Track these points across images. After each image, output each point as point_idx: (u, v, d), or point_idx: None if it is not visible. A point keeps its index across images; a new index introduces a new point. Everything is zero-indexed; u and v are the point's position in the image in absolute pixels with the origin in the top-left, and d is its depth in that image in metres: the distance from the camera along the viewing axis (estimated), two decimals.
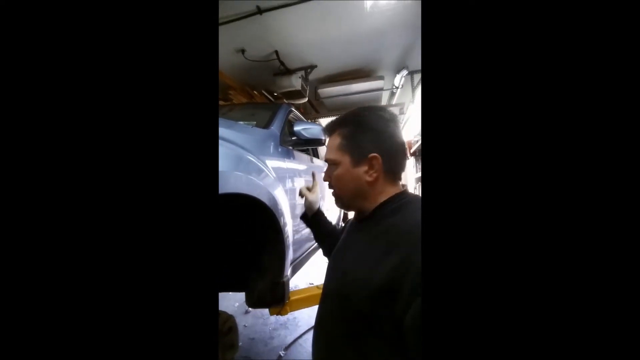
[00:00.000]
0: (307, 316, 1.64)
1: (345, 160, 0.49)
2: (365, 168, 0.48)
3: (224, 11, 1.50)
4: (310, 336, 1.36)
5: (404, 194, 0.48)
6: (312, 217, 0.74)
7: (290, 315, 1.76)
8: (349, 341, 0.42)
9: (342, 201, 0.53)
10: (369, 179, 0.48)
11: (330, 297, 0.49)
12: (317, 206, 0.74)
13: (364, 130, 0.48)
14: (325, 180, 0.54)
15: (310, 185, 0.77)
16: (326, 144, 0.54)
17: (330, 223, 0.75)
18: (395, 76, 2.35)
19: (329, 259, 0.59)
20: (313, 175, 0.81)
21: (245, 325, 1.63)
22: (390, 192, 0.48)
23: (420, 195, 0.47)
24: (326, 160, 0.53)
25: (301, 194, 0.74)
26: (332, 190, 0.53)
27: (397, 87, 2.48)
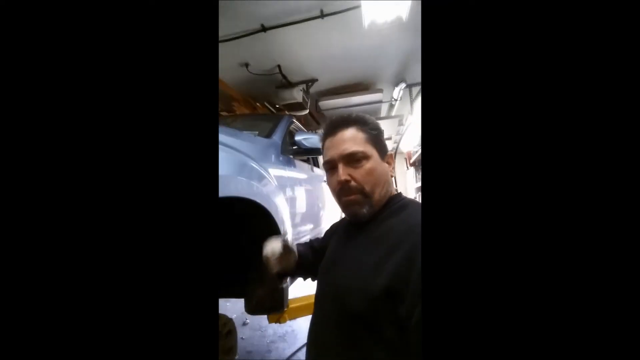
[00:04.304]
0: (305, 329, 1.59)
1: (375, 153, 0.47)
2: (387, 165, 0.49)
3: (230, 29, 1.57)
4: None
5: (400, 195, 0.50)
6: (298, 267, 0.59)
7: (289, 328, 1.72)
8: (347, 347, 0.41)
9: (369, 198, 0.46)
10: (392, 175, 0.49)
11: (326, 304, 0.47)
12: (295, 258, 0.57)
13: (379, 129, 0.50)
14: (343, 179, 0.45)
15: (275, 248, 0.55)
16: (339, 138, 0.47)
17: (310, 246, 0.63)
18: (394, 89, 2.42)
19: (319, 268, 0.55)
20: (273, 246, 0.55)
21: (242, 338, 1.58)
22: (391, 191, 0.50)
23: (419, 201, 0.49)
24: (345, 156, 0.46)
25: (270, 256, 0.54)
26: (351, 188, 0.46)
27: (395, 100, 2.54)
